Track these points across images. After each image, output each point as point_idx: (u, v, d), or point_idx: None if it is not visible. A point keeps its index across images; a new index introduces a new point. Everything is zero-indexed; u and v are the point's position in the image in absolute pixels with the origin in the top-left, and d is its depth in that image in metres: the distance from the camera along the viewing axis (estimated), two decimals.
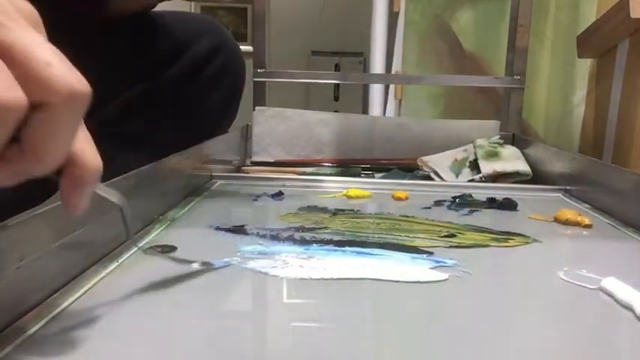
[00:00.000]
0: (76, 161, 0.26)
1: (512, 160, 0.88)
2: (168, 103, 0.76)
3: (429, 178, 0.89)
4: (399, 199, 0.69)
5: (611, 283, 0.38)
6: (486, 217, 0.61)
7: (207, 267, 0.41)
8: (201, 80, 0.79)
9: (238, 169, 0.96)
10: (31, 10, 0.25)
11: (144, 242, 0.47)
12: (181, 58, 0.77)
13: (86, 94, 0.24)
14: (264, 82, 1.12)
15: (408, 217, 0.59)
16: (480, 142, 0.93)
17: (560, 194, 0.75)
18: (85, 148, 0.26)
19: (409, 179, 0.87)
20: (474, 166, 0.89)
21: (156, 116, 0.73)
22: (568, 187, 0.75)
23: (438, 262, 0.44)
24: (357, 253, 0.45)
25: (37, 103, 0.23)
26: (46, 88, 0.23)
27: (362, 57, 2.88)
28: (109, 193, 0.33)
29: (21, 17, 0.24)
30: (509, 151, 0.91)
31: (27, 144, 0.24)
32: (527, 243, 0.51)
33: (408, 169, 0.96)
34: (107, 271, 0.40)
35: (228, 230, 0.51)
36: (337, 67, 2.89)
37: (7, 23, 0.23)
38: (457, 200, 0.68)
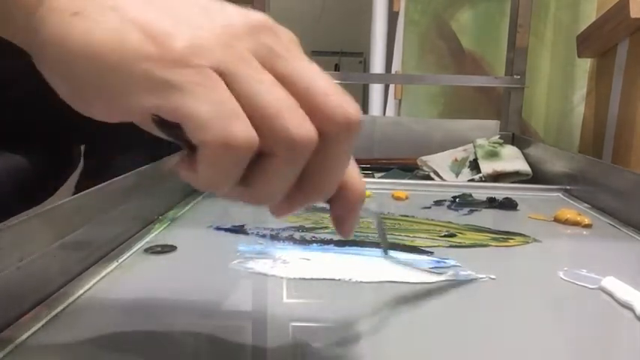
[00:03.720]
0: (347, 185, 0.26)
1: (512, 160, 0.88)
2: None
3: (428, 177, 0.89)
4: (398, 198, 0.69)
5: (611, 283, 0.38)
6: (486, 217, 0.61)
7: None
8: None
9: None
10: (296, 39, 0.25)
11: (144, 242, 0.47)
12: None
13: (360, 121, 0.24)
14: None
15: (407, 216, 0.59)
16: (479, 141, 0.93)
17: (560, 194, 0.74)
18: (351, 170, 0.27)
19: (409, 179, 0.87)
20: (474, 165, 0.89)
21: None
22: (568, 187, 0.75)
23: (438, 262, 0.44)
24: (357, 253, 0.45)
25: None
26: (326, 119, 0.23)
27: (362, 57, 2.88)
28: (367, 210, 0.34)
29: (295, 46, 0.24)
30: (509, 150, 0.91)
31: (307, 176, 0.24)
32: (527, 243, 0.51)
33: (408, 168, 0.96)
34: (107, 271, 0.40)
35: (228, 230, 0.51)
36: (337, 67, 2.88)
37: (288, 55, 0.23)
38: (457, 200, 0.68)
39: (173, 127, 0.22)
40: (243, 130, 0.21)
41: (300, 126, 0.22)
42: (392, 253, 0.44)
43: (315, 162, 0.23)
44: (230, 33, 0.22)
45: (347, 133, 0.23)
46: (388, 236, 0.50)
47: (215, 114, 0.21)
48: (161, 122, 0.22)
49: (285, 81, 0.23)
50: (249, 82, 0.22)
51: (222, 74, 0.22)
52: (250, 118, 0.22)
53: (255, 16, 0.23)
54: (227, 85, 0.22)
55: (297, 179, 0.24)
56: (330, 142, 0.23)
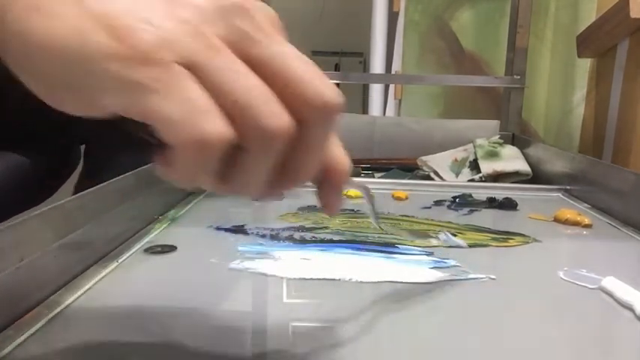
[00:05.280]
0: (330, 166, 0.26)
1: (512, 160, 0.88)
2: None
3: (428, 177, 0.89)
4: (399, 198, 0.69)
5: (611, 283, 0.38)
6: (486, 217, 0.61)
7: None
8: None
9: None
10: (273, 14, 0.24)
11: (144, 242, 0.47)
12: None
13: (339, 104, 0.23)
14: None
15: (408, 216, 0.59)
16: (479, 141, 0.93)
17: (560, 194, 0.74)
18: (335, 149, 0.26)
19: (409, 179, 0.87)
20: (474, 165, 0.89)
21: None
22: (568, 187, 0.75)
23: (438, 262, 0.44)
24: (357, 253, 0.45)
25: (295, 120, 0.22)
26: (304, 105, 0.22)
27: (362, 57, 2.88)
28: (354, 184, 0.33)
29: (271, 26, 0.23)
30: (509, 150, 0.91)
31: (287, 161, 0.23)
32: (527, 243, 0.51)
33: (408, 168, 0.96)
34: (107, 271, 0.40)
35: (228, 230, 0.51)
36: (337, 67, 2.88)
37: (262, 39, 0.22)
38: (457, 200, 0.68)
39: (144, 126, 0.21)
40: (215, 126, 0.20)
41: (273, 116, 0.21)
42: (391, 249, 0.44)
43: (295, 148, 0.23)
44: (198, 19, 0.21)
45: (326, 118, 0.23)
46: (388, 236, 0.50)
47: (185, 113, 0.20)
48: (131, 122, 0.21)
49: (259, 67, 0.22)
50: (219, 72, 0.21)
51: (190, 67, 0.21)
52: (223, 110, 0.21)
53: None
54: (197, 78, 0.21)
55: (278, 166, 0.23)
56: (309, 128, 0.22)
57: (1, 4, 0.21)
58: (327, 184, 0.26)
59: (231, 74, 0.21)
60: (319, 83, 0.22)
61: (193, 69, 0.21)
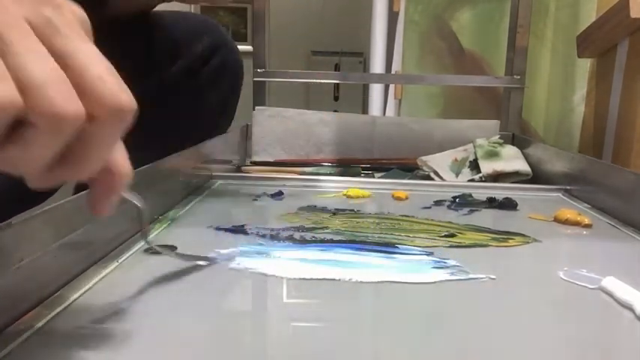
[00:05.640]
0: (110, 169, 0.27)
1: (512, 160, 0.88)
2: (167, 102, 0.76)
3: (428, 177, 0.89)
4: (398, 198, 0.69)
5: (611, 283, 0.38)
6: (486, 217, 0.61)
7: (211, 261, 0.41)
8: (199, 79, 0.79)
9: (238, 169, 0.96)
10: (84, 17, 0.25)
11: (144, 242, 0.47)
12: (180, 57, 0.77)
13: (132, 110, 0.24)
14: (264, 82, 1.12)
15: (408, 216, 0.59)
16: (479, 141, 0.93)
17: (560, 194, 0.75)
18: (118, 156, 0.27)
19: (409, 179, 0.87)
20: (474, 165, 0.89)
21: (155, 116, 0.73)
22: (568, 187, 0.75)
23: (438, 262, 0.44)
24: (357, 253, 0.45)
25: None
26: (97, 102, 0.23)
27: (362, 57, 2.88)
28: (130, 195, 0.35)
29: (78, 25, 0.24)
30: (509, 150, 0.91)
31: (70, 153, 0.24)
32: (527, 243, 0.51)
33: (408, 168, 0.96)
34: (107, 271, 0.40)
35: (228, 230, 0.51)
36: (337, 67, 2.89)
37: (68, 33, 0.23)
38: (457, 200, 0.68)
39: None
40: (6, 91, 0.21)
41: (66, 100, 0.22)
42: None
43: (80, 140, 0.23)
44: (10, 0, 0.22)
45: (116, 119, 0.24)
46: (388, 236, 0.51)
47: None
48: None
49: (60, 58, 0.22)
50: (18, 49, 0.21)
51: None
52: (17, 85, 0.21)
53: None
54: None
55: (59, 154, 0.24)
56: (98, 124, 0.23)
57: None
58: (103, 185, 0.27)
59: (30, 53, 0.22)
60: (117, 86, 0.24)
61: None
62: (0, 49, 0.21)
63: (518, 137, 1.04)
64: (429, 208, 0.64)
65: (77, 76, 0.23)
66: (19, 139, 0.22)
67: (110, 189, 0.28)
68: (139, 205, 0.36)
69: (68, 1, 0.24)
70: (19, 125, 0.22)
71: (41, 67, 0.22)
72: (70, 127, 0.22)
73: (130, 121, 0.25)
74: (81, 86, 0.23)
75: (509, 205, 0.65)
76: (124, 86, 0.24)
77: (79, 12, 0.25)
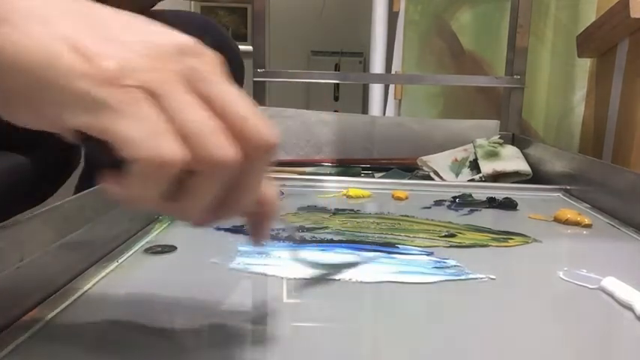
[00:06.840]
0: (263, 200, 0.28)
1: (512, 160, 0.87)
2: None
3: (428, 177, 0.89)
4: (398, 198, 0.69)
5: (611, 283, 0.38)
6: (486, 217, 0.61)
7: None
8: None
9: None
10: (221, 60, 0.26)
11: (144, 242, 0.47)
12: None
13: (276, 145, 0.25)
14: (264, 81, 1.12)
15: (407, 216, 0.59)
16: (479, 141, 0.93)
17: (560, 194, 0.74)
18: (269, 188, 0.29)
19: (409, 179, 0.87)
20: (474, 165, 0.89)
21: None
22: (568, 187, 0.75)
23: (438, 261, 0.44)
24: (357, 253, 0.45)
25: None
26: (248, 143, 0.24)
27: (362, 57, 2.88)
28: (282, 222, 0.40)
29: (219, 69, 0.25)
30: (509, 150, 0.91)
31: (228, 192, 0.25)
32: (527, 243, 0.51)
33: (408, 168, 0.96)
34: (107, 271, 0.40)
35: (228, 230, 0.51)
36: (337, 67, 2.88)
37: (212, 78, 0.24)
38: (457, 200, 0.68)
39: (97, 143, 0.22)
40: (173, 147, 0.22)
41: (221, 146, 0.23)
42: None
43: (236, 179, 0.25)
44: (157, 54, 0.23)
45: (264, 155, 0.25)
46: (388, 236, 0.51)
47: (146, 132, 0.22)
48: (86, 138, 0.23)
49: (207, 103, 0.24)
50: (174, 102, 0.23)
51: (149, 95, 0.22)
52: (179, 137, 0.23)
53: (182, 39, 0.24)
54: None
55: (220, 195, 0.25)
56: (251, 162, 0.24)
57: None
58: (260, 216, 0.30)
59: (184, 105, 0.23)
60: (260, 123, 0.25)
61: (151, 97, 0.22)
62: (158, 105, 0.22)
63: (518, 137, 1.04)
64: (429, 208, 0.64)
65: (224, 118, 0.24)
66: (185, 188, 0.24)
67: (266, 218, 0.30)
68: (291, 229, 0.41)
69: (205, 48, 0.25)
70: (180, 176, 0.23)
71: (197, 117, 0.23)
72: (227, 169, 0.24)
73: (274, 154, 0.26)
74: (231, 129, 0.24)
75: (509, 205, 0.65)
76: (267, 122, 0.25)
77: (216, 58, 0.26)
